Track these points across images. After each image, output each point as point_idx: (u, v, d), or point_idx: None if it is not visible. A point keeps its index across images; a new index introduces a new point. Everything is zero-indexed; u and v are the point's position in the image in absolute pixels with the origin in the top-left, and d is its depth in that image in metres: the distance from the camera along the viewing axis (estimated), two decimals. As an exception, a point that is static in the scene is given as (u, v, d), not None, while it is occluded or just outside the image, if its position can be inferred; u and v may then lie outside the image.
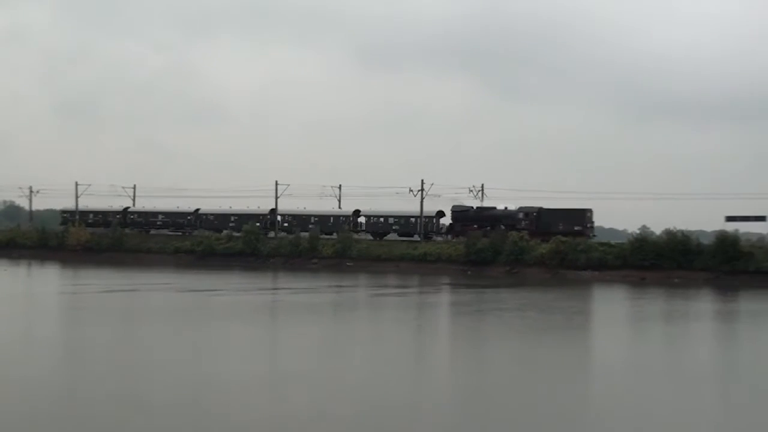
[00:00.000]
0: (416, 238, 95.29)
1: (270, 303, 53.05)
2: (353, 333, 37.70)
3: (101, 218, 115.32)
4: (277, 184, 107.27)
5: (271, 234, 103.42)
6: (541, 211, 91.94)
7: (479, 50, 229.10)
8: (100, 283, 63.94)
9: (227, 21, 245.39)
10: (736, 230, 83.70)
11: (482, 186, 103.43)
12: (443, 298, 58.73)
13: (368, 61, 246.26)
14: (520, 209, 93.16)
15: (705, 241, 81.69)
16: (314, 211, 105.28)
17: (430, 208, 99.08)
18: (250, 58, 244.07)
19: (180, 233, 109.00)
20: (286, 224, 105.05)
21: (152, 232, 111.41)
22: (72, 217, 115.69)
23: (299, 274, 79.16)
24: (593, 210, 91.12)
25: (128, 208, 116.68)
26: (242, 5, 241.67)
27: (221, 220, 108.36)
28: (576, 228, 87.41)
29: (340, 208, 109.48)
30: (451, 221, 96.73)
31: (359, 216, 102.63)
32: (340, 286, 64.83)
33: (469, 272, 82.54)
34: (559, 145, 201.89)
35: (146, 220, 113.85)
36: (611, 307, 54.21)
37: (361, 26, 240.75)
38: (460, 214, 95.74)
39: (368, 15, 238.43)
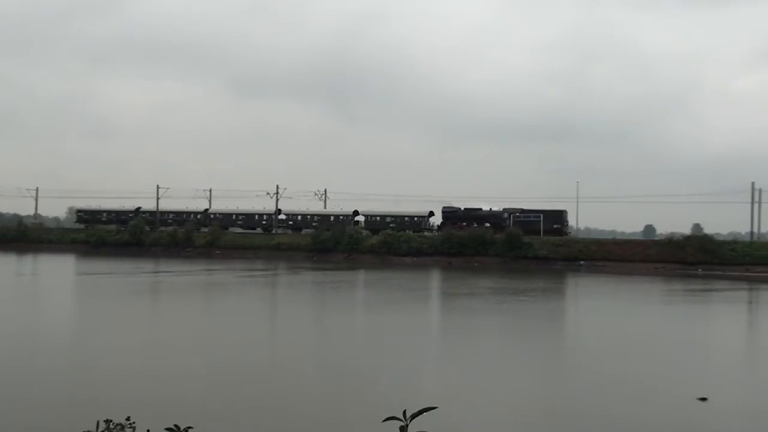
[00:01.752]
0: (409, 233, 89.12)
1: (152, 283, 53.04)
2: (222, 304, 38.34)
3: (114, 216, 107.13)
4: (158, 187, 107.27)
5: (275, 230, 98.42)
6: (523, 212, 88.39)
7: (332, 83, 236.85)
8: (10, 269, 63.47)
9: (124, 54, 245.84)
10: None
11: (325, 190, 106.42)
12: (297, 278, 59.02)
13: (240, 89, 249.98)
14: (505, 210, 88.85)
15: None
16: (316, 211, 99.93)
17: (422, 208, 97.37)
18: (142, 84, 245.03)
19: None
20: (291, 222, 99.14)
21: (161, 229, 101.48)
22: (87, 216, 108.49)
23: (176, 260, 78.53)
24: (567, 211, 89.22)
25: (140, 207, 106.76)
26: (137, 42, 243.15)
27: (228, 218, 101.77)
28: (555, 226, 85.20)
29: (207, 207, 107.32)
30: (441, 220, 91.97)
31: (357, 215, 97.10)
32: (211, 270, 65.05)
33: (315, 258, 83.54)
34: (395, 160, 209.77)
35: (158, 219, 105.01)
36: (430, 284, 55.50)
37: (235, 60, 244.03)
38: (450, 213, 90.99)
39: (241, 50, 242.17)
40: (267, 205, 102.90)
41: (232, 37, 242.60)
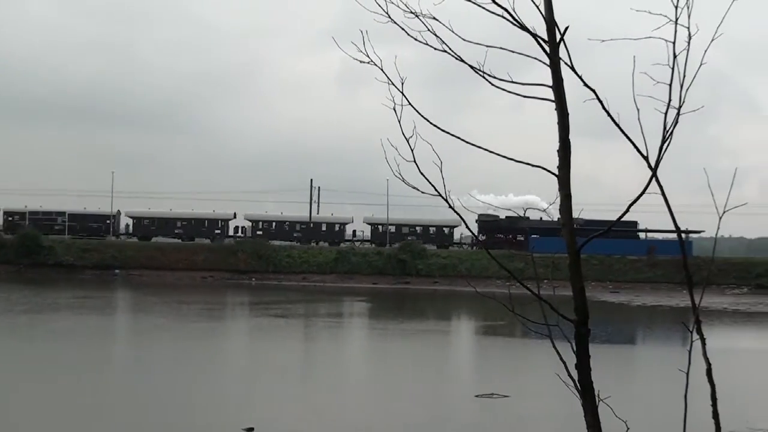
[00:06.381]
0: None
1: None
2: None
3: None
4: None
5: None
6: (588, 223, 58.21)
7: None
8: None
9: None
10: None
11: None
12: None
13: None
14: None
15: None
16: (294, 217, 73.32)
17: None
18: None
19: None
20: (259, 232, 70.63)
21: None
22: None
23: None
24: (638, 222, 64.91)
25: None
26: None
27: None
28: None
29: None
30: (478, 231, 68.00)
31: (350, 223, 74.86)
32: None
33: None
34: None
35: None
36: None
37: None
38: (489, 224, 69.10)
39: None
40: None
41: None
